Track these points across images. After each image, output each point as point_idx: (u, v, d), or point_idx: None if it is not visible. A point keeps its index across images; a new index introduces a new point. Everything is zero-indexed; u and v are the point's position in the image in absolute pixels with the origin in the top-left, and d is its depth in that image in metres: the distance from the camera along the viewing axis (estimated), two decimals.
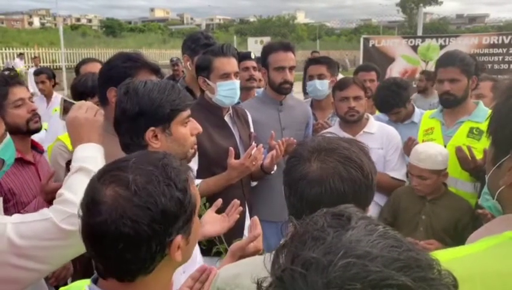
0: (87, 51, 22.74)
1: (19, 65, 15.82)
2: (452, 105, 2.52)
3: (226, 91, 2.29)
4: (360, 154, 1.04)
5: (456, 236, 2.30)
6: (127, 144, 1.43)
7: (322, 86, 3.10)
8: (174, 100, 1.41)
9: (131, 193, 0.84)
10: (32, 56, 19.72)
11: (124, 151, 1.47)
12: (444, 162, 2.32)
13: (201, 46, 2.75)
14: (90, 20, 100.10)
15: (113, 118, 1.45)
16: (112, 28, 51.15)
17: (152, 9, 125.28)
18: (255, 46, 11.02)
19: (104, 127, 1.75)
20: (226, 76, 2.29)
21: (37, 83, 4.92)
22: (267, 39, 12.04)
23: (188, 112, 1.47)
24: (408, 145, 2.55)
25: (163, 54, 27.05)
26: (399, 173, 2.60)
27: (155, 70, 1.78)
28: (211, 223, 1.79)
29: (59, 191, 1.33)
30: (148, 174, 0.88)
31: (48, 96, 4.89)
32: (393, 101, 2.98)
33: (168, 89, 1.41)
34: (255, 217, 1.56)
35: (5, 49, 19.93)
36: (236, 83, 2.32)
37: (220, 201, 1.88)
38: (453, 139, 2.49)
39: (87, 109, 1.49)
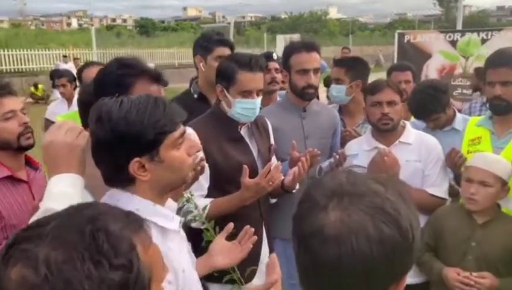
0: (120, 51, 22.96)
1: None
2: (504, 112, 2.17)
3: (243, 110, 2.04)
4: (398, 202, 0.76)
5: (511, 265, 1.97)
6: (109, 178, 1.19)
7: (338, 92, 2.80)
8: (159, 121, 1.13)
9: (40, 278, 0.59)
10: (73, 57, 20.08)
11: (108, 186, 1.23)
12: (510, 175, 2.01)
13: (215, 43, 2.51)
14: (125, 20, 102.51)
15: (91, 148, 1.20)
16: (145, 28, 51.97)
17: (185, 8, 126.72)
18: (284, 44, 10.74)
19: None
20: (247, 94, 2.02)
21: (57, 86, 4.83)
22: (296, 36, 11.66)
23: (180, 131, 1.20)
24: (451, 158, 2.22)
25: None
26: (440, 190, 2.26)
27: (156, 77, 1.54)
28: (222, 253, 1.58)
29: None
30: (68, 248, 0.62)
31: (69, 100, 4.80)
32: (431, 106, 2.60)
33: (149, 108, 1.13)
34: (273, 256, 1.30)
35: (43, 50, 20.37)
36: (257, 101, 2.05)
37: (231, 226, 1.66)
38: (505, 151, 2.14)
39: (67, 131, 1.24)
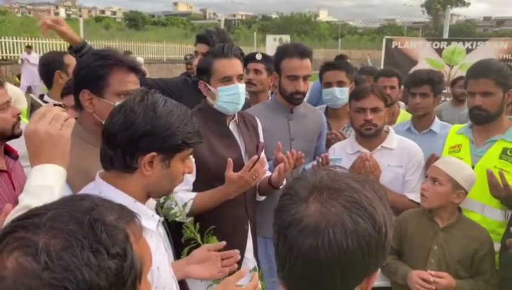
0: (108, 43, 22.72)
1: (30, 61, 13.96)
2: (484, 121, 2.23)
3: (227, 96, 2.06)
4: (374, 199, 0.80)
5: (470, 268, 2.05)
6: (111, 157, 1.22)
7: (342, 94, 2.83)
8: (190, 133, 1.25)
9: (40, 265, 0.60)
10: (52, 46, 19.48)
11: (102, 164, 1.26)
12: (467, 181, 2.07)
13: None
14: (114, 13, 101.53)
15: (108, 123, 1.24)
16: (135, 21, 51.50)
17: (175, 4, 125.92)
18: (273, 44, 10.74)
19: (78, 133, 1.54)
20: (227, 80, 2.05)
21: None
22: (286, 37, 11.68)
23: (192, 150, 1.31)
24: (430, 164, 2.29)
25: (185, 49, 26.97)
26: (419, 196, 2.32)
27: (132, 68, 1.58)
28: (201, 264, 1.56)
29: None
30: (67, 237, 0.63)
31: None
32: (427, 76, 2.83)
33: (186, 118, 1.25)
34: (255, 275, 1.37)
35: (29, 39, 19.95)
36: (239, 87, 2.08)
37: (222, 244, 1.64)
38: (482, 159, 2.21)
39: (51, 119, 1.22)
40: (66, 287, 0.60)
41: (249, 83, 3.01)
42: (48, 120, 1.21)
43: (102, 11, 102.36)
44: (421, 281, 1.98)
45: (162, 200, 1.85)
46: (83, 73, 1.55)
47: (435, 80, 2.83)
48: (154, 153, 1.20)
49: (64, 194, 1.21)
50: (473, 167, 2.20)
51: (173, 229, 1.77)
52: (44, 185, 1.16)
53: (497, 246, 2.12)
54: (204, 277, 1.56)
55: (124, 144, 1.20)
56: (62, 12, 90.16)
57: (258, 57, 3.07)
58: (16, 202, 1.71)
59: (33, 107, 1.54)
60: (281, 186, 2.18)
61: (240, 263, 2.08)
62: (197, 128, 1.28)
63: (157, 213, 1.68)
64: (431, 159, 2.29)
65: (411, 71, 6.46)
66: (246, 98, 2.31)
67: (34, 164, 1.19)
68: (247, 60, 3.05)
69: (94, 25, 38.17)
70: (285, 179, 2.18)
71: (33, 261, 0.61)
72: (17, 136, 1.91)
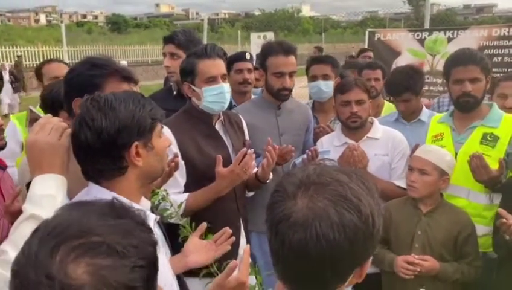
0: (91, 48, 22.55)
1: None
2: (472, 108, 2.27)
3: (213, 96, 2.09)
4: (361, 191, 0.83)
5: (454, 251, 2.12)
6: (101, 170, 1.22)
7: (327, 87, 2.88)
8: (151, 110, 1.26)
9: (118, 256, 0.69)
10: (34, 53, 19.06)
11: (89, 179, 1.25)
12: (449, 165, 2.15)
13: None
14: (96, 17, 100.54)
15: (76, 144, 1.21)
16: (117, 24, 51.14)
17: (157, 5, 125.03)
18: (258, 42, 10.72)
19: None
20: (212, 80, 2.08)
21: None
22: (270, 34, 11.67)
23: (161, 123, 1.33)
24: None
25: None
26: (405, 182, 2.39)
27: (127, 77, 1.55)
28: (195, 252, 1.61)
29: (2, 247, 1.09)
30: (122, 228, 0.74)
31: None
32: (406, 83, 2.75)
33: (141, 99, 1.25)
34: (247, 248, 1.37)
35: (10, 47, 19.70)
36: (224, 86, 2.11)
37: (204, 225, 1.69)
38: (464, 146, 2.28)
39: (50, 130, 1.25)
40: (142, 265, 0.72)
41: (245, 82, 3.05)
42: (47, 131, 1.25)
43: (84, 16, 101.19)
44: (405, 265, 2.06)
45: (156, 202, 1.89)
46: (75, 81, 1.52)
47: (413, 83, 2.80)
48: (136, 143, 1.21)
49: (65, 202, 1.23)
50: (456, 154, 2.27)
51: (169, 230, 1.81)
52: (47, 194, 1.18)
53: (482, 229, 2.21)
54: (204, 262, 1.61)
55: (108, 151, 1.19)
56: (43, 18, 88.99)
57: (248, 56, 3.11)
58: (6, 213, 1.72)
59: (31, 121, 1.54)
60: (268, 181, 2.23)
61: (235, 259, 2.13)
62: (154, 104, 1.30)
63: (153, 213, 1.72)
64: (415, 149, 2.36)
65: (394, 62, 6.63)
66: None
67: (36, 174, 1.22)
68: (236, 59, 3.09)
69: (76, 30, 37.81)
70: (271, 174, 2.23)
71: (107, 257, 0.69)
72: (1, 148, 1.92)
